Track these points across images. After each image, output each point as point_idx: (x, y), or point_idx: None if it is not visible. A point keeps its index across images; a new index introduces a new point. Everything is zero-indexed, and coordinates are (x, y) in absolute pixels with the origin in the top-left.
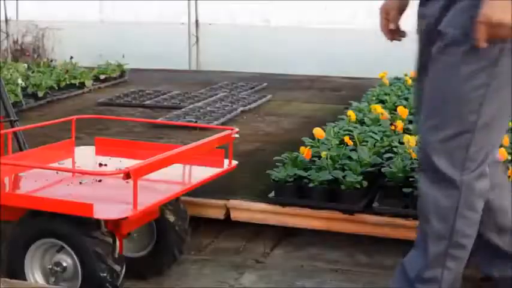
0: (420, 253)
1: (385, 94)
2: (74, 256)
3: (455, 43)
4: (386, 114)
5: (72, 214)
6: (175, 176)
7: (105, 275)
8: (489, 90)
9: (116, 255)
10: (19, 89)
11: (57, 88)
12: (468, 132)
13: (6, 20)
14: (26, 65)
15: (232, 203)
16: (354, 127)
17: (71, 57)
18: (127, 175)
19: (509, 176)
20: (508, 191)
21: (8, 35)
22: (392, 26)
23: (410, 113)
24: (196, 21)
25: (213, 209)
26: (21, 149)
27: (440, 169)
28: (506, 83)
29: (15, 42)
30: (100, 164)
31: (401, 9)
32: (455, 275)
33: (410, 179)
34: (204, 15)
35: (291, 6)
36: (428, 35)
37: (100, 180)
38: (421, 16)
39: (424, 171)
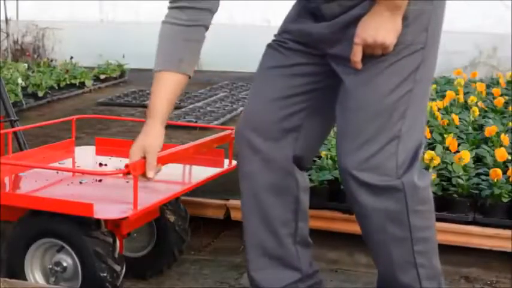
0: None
1: None
2: (74, 256)
3: (370, 62)
4: None
5: (73, 214)
6: (175, 176)
7: (105, 274)
8: (413, 95)
9: (116, 255)
10: (19, 89)
11: (57, 88)
12: (395, 139)
13: (7, 20)
14: (26, 64)
15: (232, 203)
16: None
17: (71, 57)
18: (128, 168)
19: (509, 176)
20: None
21: (8, 35)
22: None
23: None
24: None
25: (213, 209)
26: (21, 149)
27: (375, 184)
28: (426, 80)
29: (16, 42)
30: (100, 164)
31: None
32: (431, 267)
33: None
34: None
35: (291, 6)
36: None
37: (100, 180)
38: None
39: (354, 192)
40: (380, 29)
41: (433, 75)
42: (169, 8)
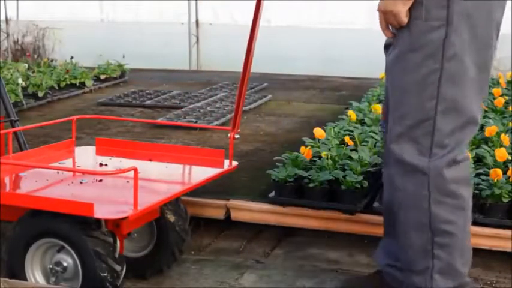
0: (398, 245)
1: None
2: (75, 256)
3: (400, 38)
4: None
5: (73, 214)
6: (176, 176)
7: (105, 274)
8: (444, 75)
9: (116, 255)
10: (19, 89)
11: (57, 88)
12: (430, 118)
13: (7, 20)
14: (26, 64)
15: (233, 203)
16: (355, 127)
17: (71, 57)
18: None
19: (509, 177)
20: None
21: (8, 35)
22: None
23: None
24: (197, 21)
25: (213, 209)
26: (21, 149)
27: (405, 159)
28: (463, 66)
29: (16, 42)
30: (100, 164)
31: None
32: (448, 263)
33: None
34: (204, 15)
35: (291, 6)
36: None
37: (100, 180)
38: None
39: (390, 165)
40: None
41: (485, 59)
42: None
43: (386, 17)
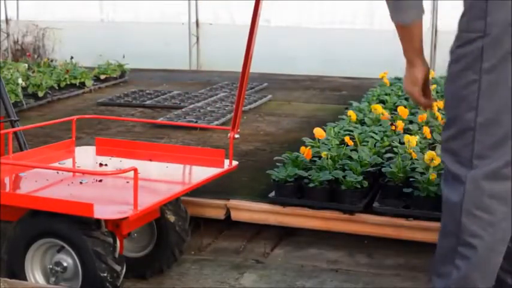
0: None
1: (386, 94)
2: (75, 256)
3: (451, 49)
4: (386, 114)
5: (73, 214)
6: (176, 176)
7: (105, 275)
8: (482, 86)
9: (116, 255)
10: (19, 89)
11: (57, 88)
12: (470, 129)
13: (7, 20)
14: (26, 65)
15: (233, 203)
16: (355, 127)
17: (71, 57)
18: None
19: None
20: None
21: (8, 35)
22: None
23: (410, 113)
24: (197, 21)
25: (214, 209)
26: (21, 149)
27: (448, 167)
28: (503, 77)
29: (16, 42)
30: (100, 164)
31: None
32: (465, 276)
33: (411, 179)
34: (204, 15)
35: (291, 6)
36: None
37: (100, 180)
38: None
39: (443, 174)
40: (404, 80)
41: None
42: None
43: (410, 97)
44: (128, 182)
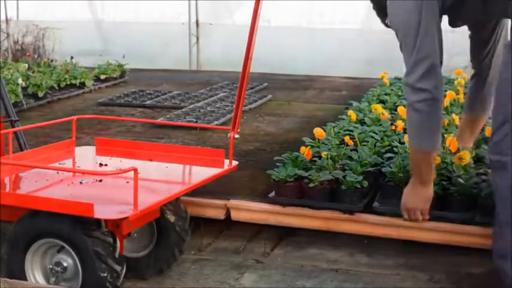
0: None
1: (386, 94)
2: (75, 256)
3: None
4: (386, 114)
5: (73, 214)
6: (176, 176)
7: (105, 275)
8: None
9: (116, 255)
10: (19, 89)
11: (57, 88)
12: (506, 121)
13: (7, 20)
14: (26, 65)
15: (233, 203)
16: (355, 127)
17: (71, 57)
18: None
19: None
20: None
21: (8, 35)
22: None
23: None
24: (197, 21)
25: (214, 209)
26: (21, 149)
27: (493, 158)
28: None
29: (16, 42)
30: (100, 164)
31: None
32: None
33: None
34: (204, 15)
35: (291, 6)
36: None
37: (100, 180)
38: None
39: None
40: (412, 197)
41: None
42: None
43: (409, 214)
44: (127, 182)
